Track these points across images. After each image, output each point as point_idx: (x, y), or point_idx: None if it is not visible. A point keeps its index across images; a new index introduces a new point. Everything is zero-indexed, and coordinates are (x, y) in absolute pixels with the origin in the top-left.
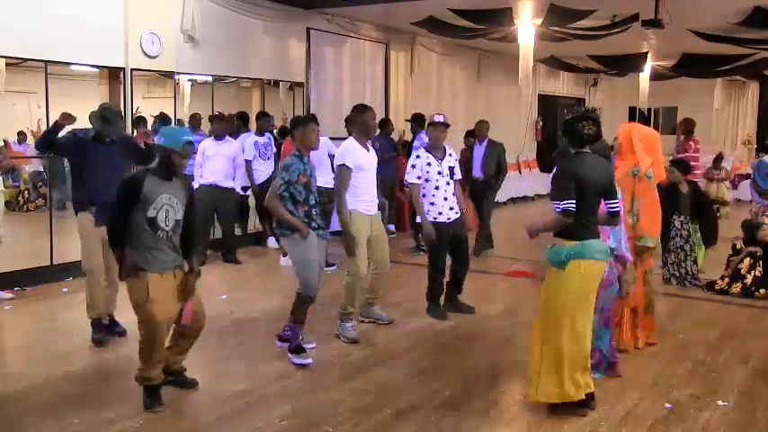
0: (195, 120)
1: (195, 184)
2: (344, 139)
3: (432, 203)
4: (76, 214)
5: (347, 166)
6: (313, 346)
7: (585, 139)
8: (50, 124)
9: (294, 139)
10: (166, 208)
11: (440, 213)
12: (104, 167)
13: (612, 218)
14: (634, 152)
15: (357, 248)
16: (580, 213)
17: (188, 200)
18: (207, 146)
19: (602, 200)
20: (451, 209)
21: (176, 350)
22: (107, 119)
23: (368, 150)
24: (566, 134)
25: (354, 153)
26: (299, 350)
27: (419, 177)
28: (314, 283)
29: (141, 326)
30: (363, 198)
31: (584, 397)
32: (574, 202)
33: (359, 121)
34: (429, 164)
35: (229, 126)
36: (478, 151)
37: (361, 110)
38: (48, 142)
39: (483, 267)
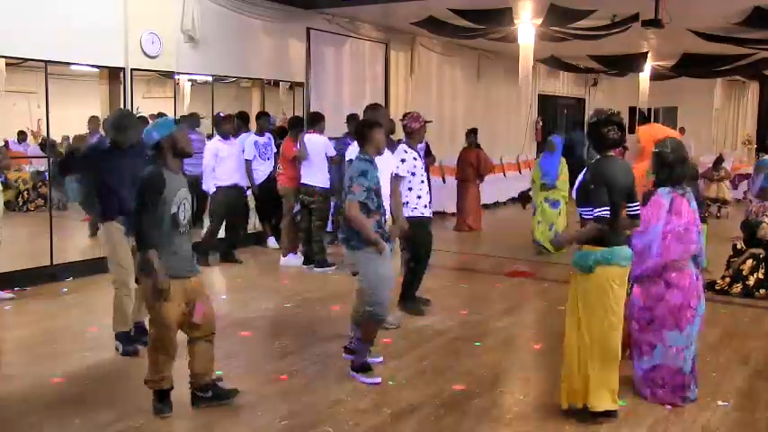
0: (195, 119)
1: (210, 187)
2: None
3: (418, 197)
4: (101, 224)
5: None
6: (380, 359)
7: (610, 143)
8: (65, 152)
9: (365, 144)
10: (184, 203)
11: (425, 207)
12: (126, 174)
13: (633, 221)
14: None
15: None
16: (612, 219)
17: (193, 192)
18: (219, 147)
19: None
20: (425, 206)
21: (199, 360)
22: (121, 128)
23: (392, 151)
24: (590, 138)
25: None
26: (365, 368)
27: (411, 173)
28: (387, 303)
29: (151, 325)
30: None
31: (610, 408)
32: (608, 209)
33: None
34: (415, 158)
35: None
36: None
37: (372, 109)
38: (65, 169)
39: (483, 267)
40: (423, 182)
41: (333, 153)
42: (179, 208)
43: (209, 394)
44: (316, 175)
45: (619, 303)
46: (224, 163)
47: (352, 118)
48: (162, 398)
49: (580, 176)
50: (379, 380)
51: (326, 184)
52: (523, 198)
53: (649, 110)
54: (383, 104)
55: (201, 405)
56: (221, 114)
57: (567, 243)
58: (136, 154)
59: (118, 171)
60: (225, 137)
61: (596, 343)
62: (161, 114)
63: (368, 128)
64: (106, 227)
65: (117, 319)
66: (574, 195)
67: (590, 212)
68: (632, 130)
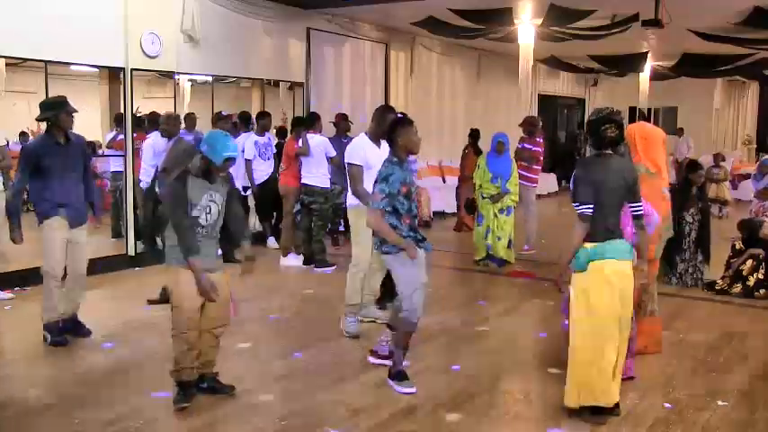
0: (191, 120)
1: None
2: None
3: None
4: (41, 222)
5: (353, 164)
6: (408, 364)
7: (607, 142)
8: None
9: (393, 145)
10: (209, 206)
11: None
12: (66, 169)
13: (637, 221)
14: (636, 149)
15: (361, 242)
16: (600, 215)
17: (229, 191)
18: None
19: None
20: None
21: (201, 350)
22: (50, 104)
23: (379, 147)
24: (589, 135)
25: (359, 150)
26: (401, 377)
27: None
28: (418, 309)
29: (173, 312)
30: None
31: (610, 405)
32: (591, 206)
33: (376, 120)
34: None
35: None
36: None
37: (382, 110)
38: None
39: (483, 267)
40: None
41: (333, 153)
42: (200, 213)
43: (204, 385)
44: (316, 174)
45: (619, 298)
46: None
47: (345, 118)
48: (181, 388)
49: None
50: (413, 389)
51: (327, 184)
52: (471, 205)
53: (649, 110)
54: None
55: (197, 392)
56: (223, 113)
57: (566, 266)
58: (72, 149)
59: (57, 165)
60: None
61: (596, 341)
62: (154, 113)
63: (392, 129)
64: (45, 224)
65: (45, 308)
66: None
67: (576, 208)
68: None
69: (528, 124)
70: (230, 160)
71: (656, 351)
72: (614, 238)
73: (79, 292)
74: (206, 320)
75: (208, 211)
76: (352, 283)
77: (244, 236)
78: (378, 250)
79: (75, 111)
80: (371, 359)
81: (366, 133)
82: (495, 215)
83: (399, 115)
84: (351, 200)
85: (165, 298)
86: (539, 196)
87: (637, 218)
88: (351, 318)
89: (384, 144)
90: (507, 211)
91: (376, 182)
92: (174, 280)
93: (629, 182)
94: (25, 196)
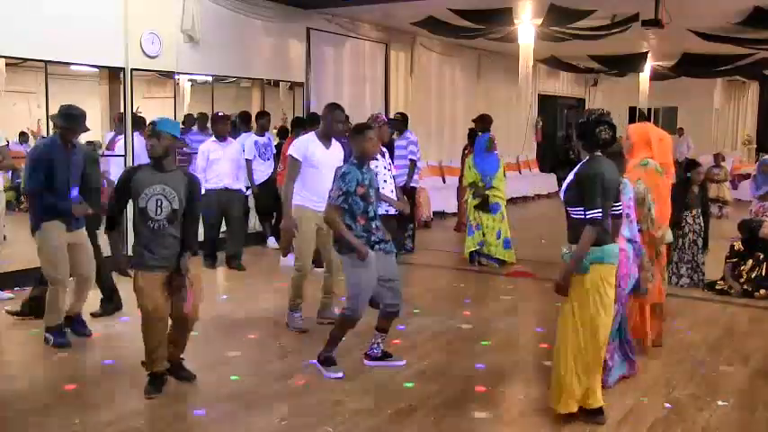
0: (190, 120)
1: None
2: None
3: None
4: (39, 226)
5: (291, 156)
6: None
7: (602, 143)
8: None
9: (353, 148)
10: (157, 198)
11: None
12: (68, 174)
13: (615, 221)
14: (650, 148)
15: (303, 244)
16: (603, 218)
17: (190, 194)
18: (211, 148)
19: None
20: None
21: (169, 339)
22: (72, 116)
23: (327, 148)
24: (581, 138)
25: (302, 145)
26: (328, 362)
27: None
28: (360, 309)
29: (140, 311)
30: (311, 194)
31: (602, 404)
32: (601, 210)
33: (323, 119)
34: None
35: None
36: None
37: (328, 109)
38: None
39: (483, 267)
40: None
41: None
42: (148, 202)
43: (167, 366)
44: None
45: (611, 302)
46: (216, 165)
47: (346, 119)
48: (151, 379)
49: (570, 176)
50: (341, 374)
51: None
52: (485, 201)
53: (649, 110)
54: (383, 104)
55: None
56: (219, 113)
57: (578, 263)
58: (77, 154)
59: (63, 169)
60: (220, 138)
61: (590, 343)
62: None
63: (350, 134)
64: (44, 227)
65: (48, 313)
66: (562, 195)
67: (579, 212)
68: None
69: (484, 122)
70: (168, 136)
71: (656, 344)
72: (609, 242)
73: (85, 293)
74: (179, 321)
75: (157, 202)
76: (292, 286)
77: (189, 247)
78: (336, 246)
79: (87, 130)
80: (367, 362)
81: (315, 132)
82: (477, 213)
83: (386, 119)
84: (295, 199)
85: (24, 310)
86: (539, 196)
87: (616, 217)
88: (296, 313)
89: (335, 144)
90: (493, 210)
91: (334, 179)
92: (134, 282)
93: (617, 183)
94: (23, 198)
